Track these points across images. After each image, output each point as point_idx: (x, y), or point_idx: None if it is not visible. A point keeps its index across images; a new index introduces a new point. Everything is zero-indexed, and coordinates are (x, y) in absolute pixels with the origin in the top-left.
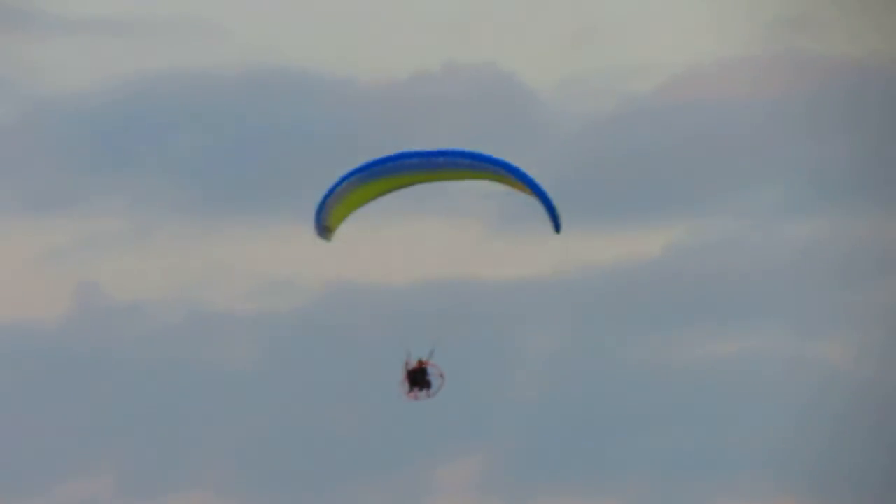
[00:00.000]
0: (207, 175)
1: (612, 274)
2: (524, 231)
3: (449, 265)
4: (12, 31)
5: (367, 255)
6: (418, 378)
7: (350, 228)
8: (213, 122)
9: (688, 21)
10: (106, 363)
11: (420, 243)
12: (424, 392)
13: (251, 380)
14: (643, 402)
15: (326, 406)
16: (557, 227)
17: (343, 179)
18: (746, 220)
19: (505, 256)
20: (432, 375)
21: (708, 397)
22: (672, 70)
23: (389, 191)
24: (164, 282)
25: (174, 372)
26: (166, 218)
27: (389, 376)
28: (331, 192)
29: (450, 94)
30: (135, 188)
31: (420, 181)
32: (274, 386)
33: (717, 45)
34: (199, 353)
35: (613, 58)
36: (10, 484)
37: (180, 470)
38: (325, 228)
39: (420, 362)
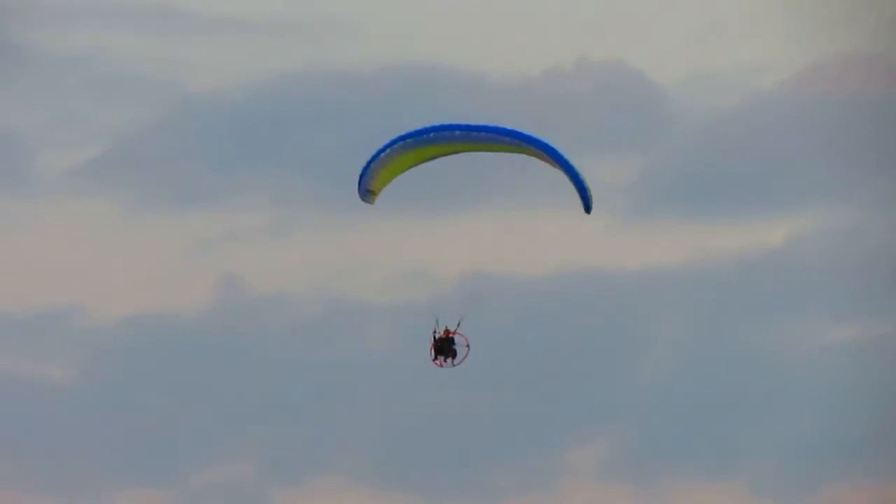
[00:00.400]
0: (344, 170)
1: (737, 263)
2: (653, 223)
3: (581, 256)
4: (160, 33)
5: (501, 246)
6: (445, 347)
7: (485, 220)
8: (349, 119)
9: (812, 17)
10: (247, 352)
11: (553, 235)
12: (450, 360)
13: (387, 367)
14: (766, 388)
15: (459, 392)
16: (587, 208)
17: (387, 146)
18: (867, 210)
19: (635, 247)
20: (458, 345)
21: (829, 384)
22: (796, 66)
23: (431, 158)
24: (303, 273)
25: (312, 360)
26: (305, 212)
27: (518, 365)
28: (375, 157)
29: (581, 90)
30: (276, 184)
31: (459, 150)
32: (408, 373)
33: (840, 41)
34: (336, 342)
35: (738, 54)
36: (155, 469)
37: (318, 455)
38: (367, 192)
39: (447, 332)
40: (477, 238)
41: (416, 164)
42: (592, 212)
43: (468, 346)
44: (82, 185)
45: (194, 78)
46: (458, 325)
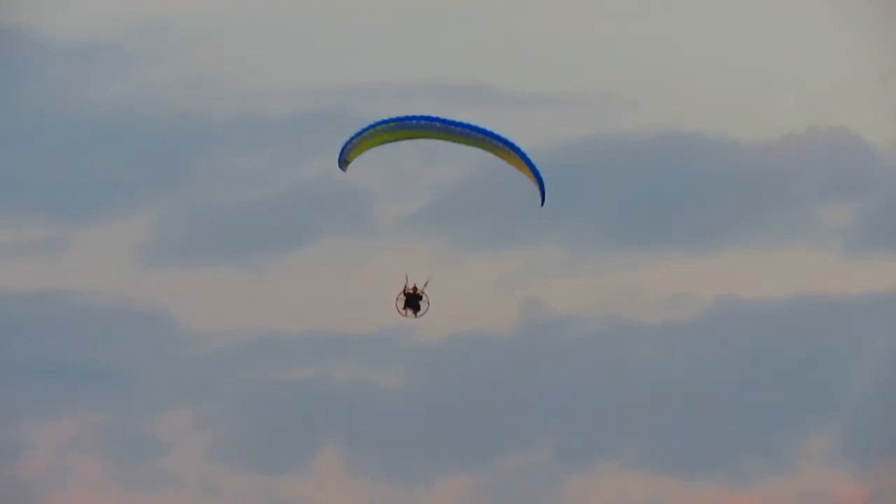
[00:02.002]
0: (626, 215)
1: None
2: (867, 257)
3: (810, 283)
4: (472, 106)
5: (746, 274)
6: (411, 301)
7: (733, 255)
8: (629, 175)
9: None
10: (545, 364)
11: (787, 267)
12: (412, 312)
13: (657, 377)
14: None
15: (709, 394)
16: (543, 201)
17: (371, 126)
18: None
19: (852, 277)
20: (422, 301)
21: None
22: None
23: (404, 139)
24: (591, 299)
25: (597, 367)
26: (593, 249)
27: (763, 367)
28: (358, 134)
29: (811, 151)
30: (568, 227)
31: (432, 137)
32: (677, 376)
33: None
34: (617, 353)
35: None
36: (460, 452)
37: (604, 444)
38: (344, 161)
39: (415, 288)
40: (728, 269)
41: (391, 142)
42: (824, 244)
43: (428, 302)
44: (412, 230)
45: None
46: (426, 284)
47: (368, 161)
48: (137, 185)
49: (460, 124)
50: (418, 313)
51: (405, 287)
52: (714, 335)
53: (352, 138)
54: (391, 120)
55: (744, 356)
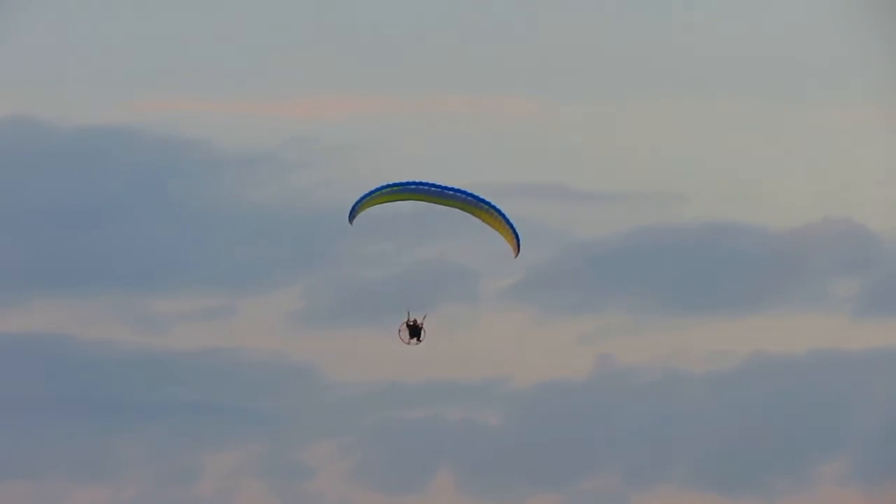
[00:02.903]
0: (678, 287)
1: None
2: (876, 319)
3: (826, 341)
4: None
5: (774, 334)
6: (414, 331)
7: (762, 318)
8: (681, 256)
9: None
10: (614, 406)
11: (808, 326)
12: (414, 340)
13: (703, 416)
14: None
15: (745, 428)
16: (518, 251)
17: (375, 190)
18: None
19: (860, 335)
20: (423, 331)
21: None
22: None
23: (403, 200)
24: (650, 354)
25: (657, 411)
26: (652, 314)
27: (787, 410)
28: (364, 197)
29: (824, 235)
30: (633, 297)
31: (427, 201)
32: (716, 420)
33: None
34: (672, 400)
35: None
36: (547, 476)
37: (660, 469)
38: (353, 216)
39: (415, 321)
40: (760, 330)
41: (390, 202)
42: (832, 310)
43: (425, 331)
44: (508, 300)
45: (588, 230)
46: (423, 318)
47: (472, 243)
48: (291, 264)
49: (450, 189)
50: (420, 340)
51: (407, 320)
52: (749, 382)
53: (360, 199)
54: (393, 184)
55: (773, 399)
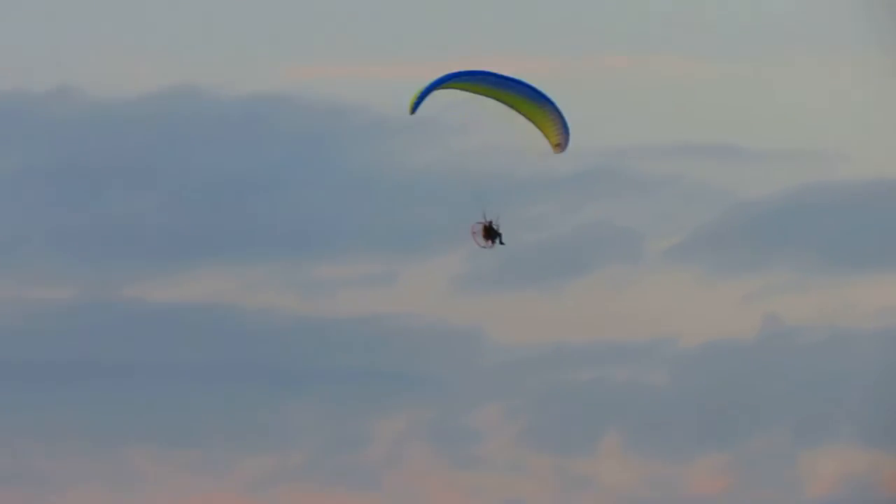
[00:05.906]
0: (842, 245)
1: None
2: None
3: None
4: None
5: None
6: (490, 233)
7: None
8: (845, 213)
9: None
10: (781, 364)
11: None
12: (490, 243)
13: (869, 373)
14: None
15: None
16: (566, 143)
17: (436, 82)
18: None
19: None
20: (500, 234)
21: None
22: None
23: (459, 90)
24: (816, 312)
25: (823, 369)
26: (818, 272)
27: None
28: (429, 89)
29: None
30: (798, 255)
31: (478, 91)
32: (882, 376)
33: None
34: (839, 357)
35: None
36: (714, 436)
37: (828, 427)
38: (415, 109)
39: (490, 222)
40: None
41: (450, 89)
42: None
43: (501, 234)
44: (672, 260)
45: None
46: (497, 218)
47: (638, 206)
48: (452, 230)
49: (507, 78)
50: (496, 242)
51: (482, 222)
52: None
53: (422, 94)
54: (452, 75)
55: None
